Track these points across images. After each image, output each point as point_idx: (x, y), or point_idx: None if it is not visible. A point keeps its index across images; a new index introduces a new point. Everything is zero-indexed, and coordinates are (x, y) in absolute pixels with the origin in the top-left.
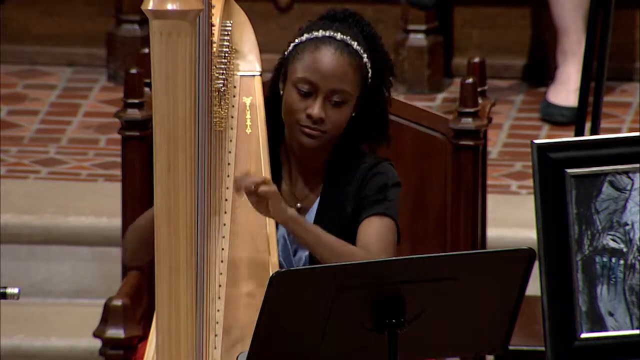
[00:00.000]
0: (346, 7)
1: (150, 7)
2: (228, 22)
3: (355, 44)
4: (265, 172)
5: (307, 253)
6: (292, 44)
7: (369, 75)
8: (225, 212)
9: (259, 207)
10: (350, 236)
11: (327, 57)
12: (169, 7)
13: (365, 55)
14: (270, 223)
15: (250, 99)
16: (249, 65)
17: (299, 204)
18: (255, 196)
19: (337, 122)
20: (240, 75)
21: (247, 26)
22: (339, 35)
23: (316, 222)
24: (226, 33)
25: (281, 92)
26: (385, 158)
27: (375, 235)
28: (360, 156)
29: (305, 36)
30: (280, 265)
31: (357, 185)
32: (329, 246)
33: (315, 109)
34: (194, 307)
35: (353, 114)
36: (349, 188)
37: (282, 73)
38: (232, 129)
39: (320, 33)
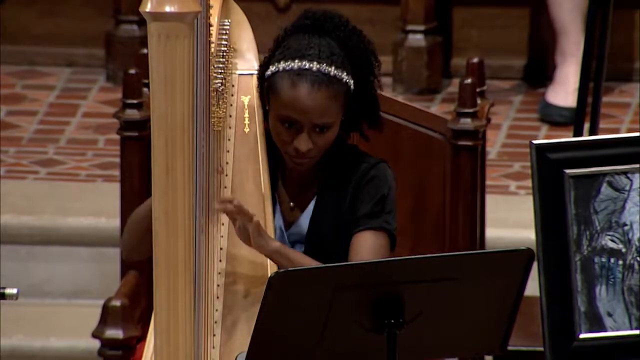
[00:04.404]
0: (338, 9)
1: (148, 9)
2: (226, 20)
3: (332, 70)
4: (263, 171)
5: (303, 246)
6: (270, 68)
7: (351, 86)
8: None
9: (240, 235)
10: (345, 237)
11: (305, 94)
12: (167, 9)
13: (344, 75)
14: (268, 224)
15: (248, 97)
16: (247, 63)
17: (292, 203)
18: (237, 226)
19: (325, 144)
20: (239, 74)
21: (245, 24)
22: (315, 66)
23: (312, 222)
24: (224, 32)
25: (267, 106)
26: (381, 159)
27: (366, 252)
28: (357, 156)
29: (282, 65)
30: None
31: (354, 186)
32: None
33: (302, 144)
34: (193, 307)
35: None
36: (344, 189)
37: (265, 89)
38: (230, 128)
39: (296, 64)
